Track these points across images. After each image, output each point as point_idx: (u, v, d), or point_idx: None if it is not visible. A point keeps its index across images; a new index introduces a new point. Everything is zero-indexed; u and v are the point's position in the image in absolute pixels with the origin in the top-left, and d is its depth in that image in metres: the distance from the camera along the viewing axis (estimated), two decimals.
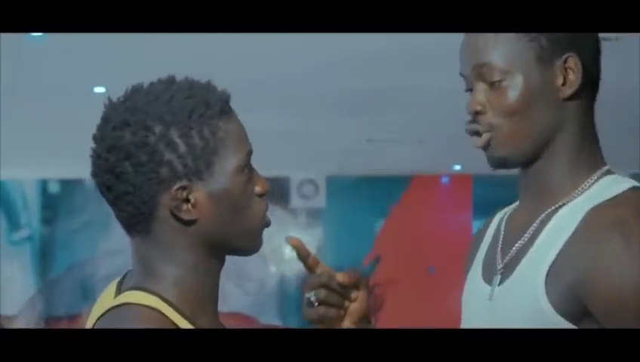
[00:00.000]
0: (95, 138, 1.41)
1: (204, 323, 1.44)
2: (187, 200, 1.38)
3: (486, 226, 1.68)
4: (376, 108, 5.40)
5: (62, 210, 7.59)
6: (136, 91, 1.43)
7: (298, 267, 7.05)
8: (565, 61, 1.50)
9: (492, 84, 1.52)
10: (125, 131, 1.37)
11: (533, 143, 1.53)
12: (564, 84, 1.50)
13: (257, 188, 1.46)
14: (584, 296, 1.41)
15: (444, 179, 7.65)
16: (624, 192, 1.48)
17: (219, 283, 1.49)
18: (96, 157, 1.41)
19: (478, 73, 1.53)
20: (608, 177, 1.53)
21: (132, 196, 1.39)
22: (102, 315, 1.42)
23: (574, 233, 1.45)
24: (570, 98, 1.51)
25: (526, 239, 1.53)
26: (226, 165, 1.41)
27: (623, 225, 1.42)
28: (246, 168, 1.43)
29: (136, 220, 1.41)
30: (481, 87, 1.53)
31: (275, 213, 7.86)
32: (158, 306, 1.38)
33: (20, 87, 4.84)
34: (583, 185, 1.52)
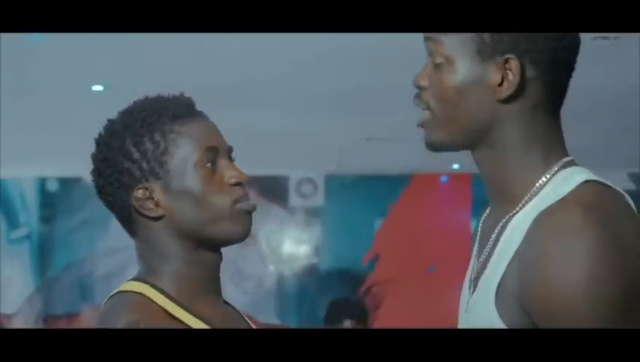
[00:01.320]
0: None
1: (201, 312, 1.55)
2: (151, 199, 1.56)
3: (478, 224, 1.65)
4: (374, 107, 5.40)
5: (60, 208, 7.59)
6: (118, 114, 1.65)
7: (296, 266, 7.02)
8: (506, 62, 1.46)
9: (433, 63, 1.51)
10: (96, 152, 1.61)
11: (465, 133, 1.50)
12: (501, 84, 1.46)
13: (231, 179, 1.58)
14: (526, 304, 1.36)
15: (443, 178, 7.65)
16: (573, 190, 1.42)
17: (217, 273, 1.62)
18: None
19: (427, 46, 1.52)
20: (563, 172, 1.48)
21: (113, 205, 1.61)
22: (104, 303, 1.57)
23: (521, 243, 1.41)
24: (510, 99, 1.47)
25: (489, 248, 1.50)
26: (181, 161, 1.57)
27: (564, 228, 1.35)
28: (207, 163, 1.57)
29: (124, 224, 1.62)
30: (429, 62, 1.53)
31: (273, 212, 7.90)
32: (145, 292, 1.53)
33: (17, 86, 4.84)
34: (538, 185, 1.47)
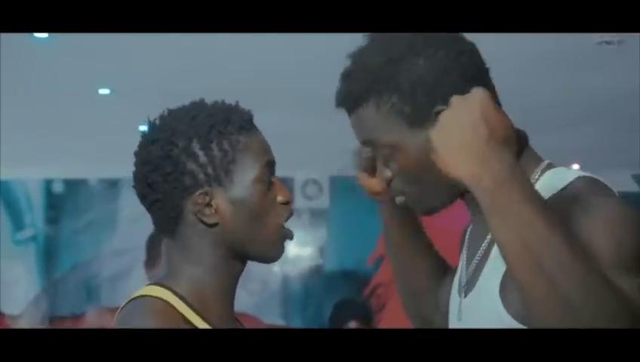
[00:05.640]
0: (135, 154, 1.61)
1: (215, 319, 1.56)
2: (210, 205, 1.55)
3: (462, 238, 1.69)
4: None
5: (66, 209, 7.60)
6: (170, 112, 1.62)
7: (301, 267, 7.03)
8: (436, 120, 1.40)
9: (382, 156, 1.52)
10: (154, 146, 1.56)
11: (448, 190, 1.52)
12: None
13: (280, 198, 1.61)
14: None
15: None
16: (572, 183, 1.43)
17: (236, 284, 1.65)
18: (134, 169, 1.60)
19: (371, 148, 1.54)
20: (550, 171, 1.49)
21: (162, 203, 1.57)
22: (123, 307, 1.56)
23: None
24: None
25: (482, 251, 1.51)
26: (245, 174, 1.57)
27: (584, 202, 1.35)
28: (266, 178, 1.59)
29: (166, 224, 1.59)
30: (378, 159, 1.54)
31: None
32: (166, 297, 1.53)
33: (24, 88, 4.86)
34: None
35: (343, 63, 1.62)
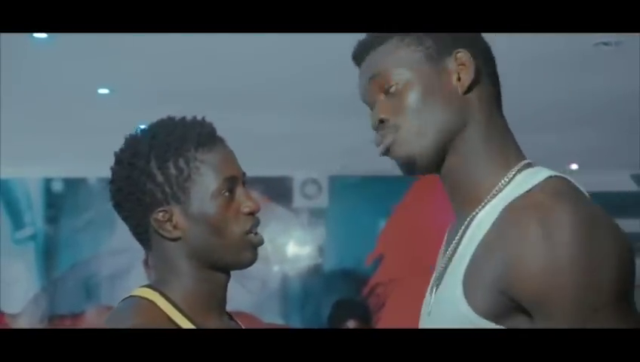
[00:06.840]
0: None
1: (203, 324, 1.60)
2: (170, 221, 1.62)
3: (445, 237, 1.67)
4: None
5: (66, 208, 7.61)
6: (140, 131, 1.68)
7: (300, 266, 7.04)
8: (456, 58, 1.51)
9: (388, 91, 1.54)
10: (118, 167, 1.65)
11: (435, 140, 1.52)
12: (459, 79, 1.50)
13: (245, 209, 1.65)
14: (509, 289, 1.35)
15: None
16: (539, 183, 1.42)
17: (224, 292, 1.68)
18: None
19: (374, 85, 1.56)
20: (526, 171, 1.49)
21: (130, 220, 1.66)
22: (117, 306, 1.63)
23: (489, 233, 1.41)
24: (469, 91, 1.51)
25: (452, 248, 1.51)
26: (202, 190, 1.62)
27: (539, 209, 1.35)
28: (225, 191, 1.63)
29: (139, 238, 1.67)
30: (381, 98, 1.56)
31: (277, 213, 7.89)
32: (153, 298, 1.59)
33: (24, 87, 4.86)
34: (501, 183, 1.48)
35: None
